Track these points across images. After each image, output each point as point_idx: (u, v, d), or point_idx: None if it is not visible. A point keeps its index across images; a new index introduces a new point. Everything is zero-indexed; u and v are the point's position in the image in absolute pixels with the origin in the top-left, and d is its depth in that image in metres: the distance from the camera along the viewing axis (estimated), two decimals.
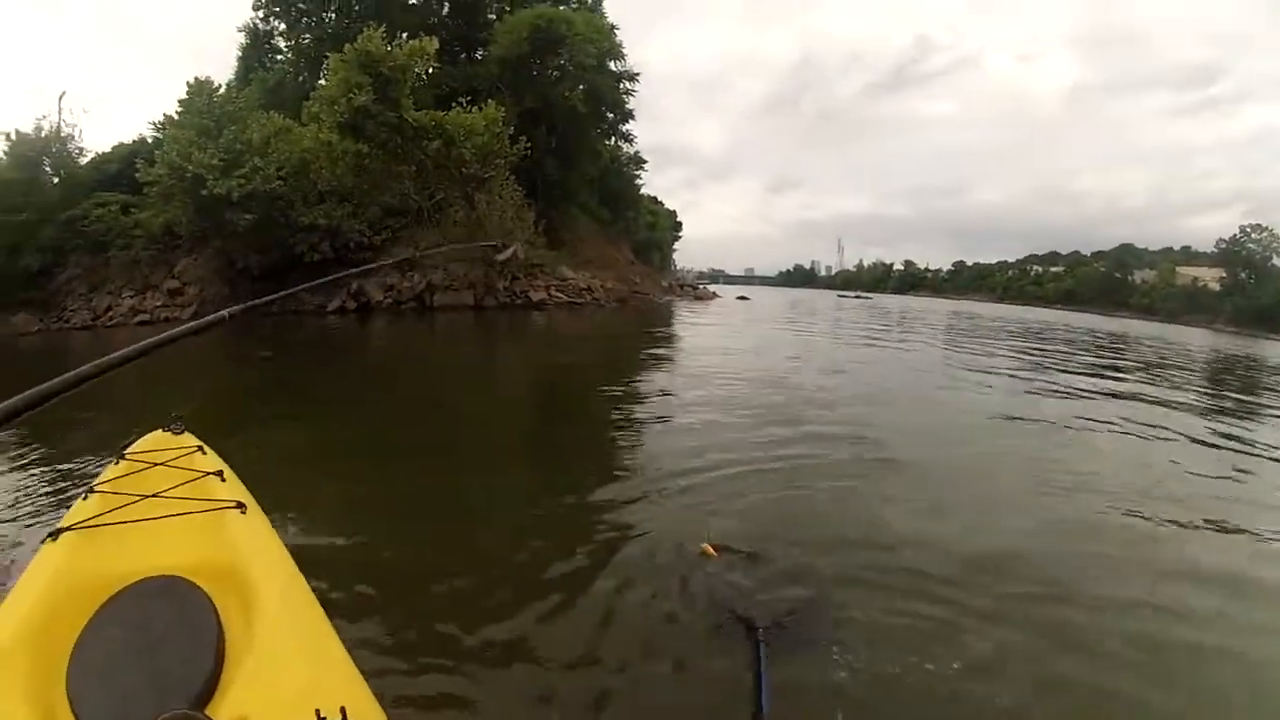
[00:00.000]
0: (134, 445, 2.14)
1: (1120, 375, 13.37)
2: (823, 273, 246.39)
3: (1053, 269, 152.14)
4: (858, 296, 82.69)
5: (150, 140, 31.49)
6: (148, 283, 29.61)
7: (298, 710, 1.00)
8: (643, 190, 47.05)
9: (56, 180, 33.02)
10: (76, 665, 1.13)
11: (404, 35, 29.42)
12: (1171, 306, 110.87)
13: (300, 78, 34.41)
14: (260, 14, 36.95)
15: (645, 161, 43.94)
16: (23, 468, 5.17)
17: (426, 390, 9.84)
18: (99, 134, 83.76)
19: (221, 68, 53.31)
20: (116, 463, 1.99)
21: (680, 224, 63.59)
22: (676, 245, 63.72)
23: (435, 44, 26.10)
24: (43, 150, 32.79)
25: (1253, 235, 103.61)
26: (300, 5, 35.73)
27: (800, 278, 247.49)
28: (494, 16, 34.58)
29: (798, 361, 12.65)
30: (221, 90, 29.37)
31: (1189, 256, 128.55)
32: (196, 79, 29.30)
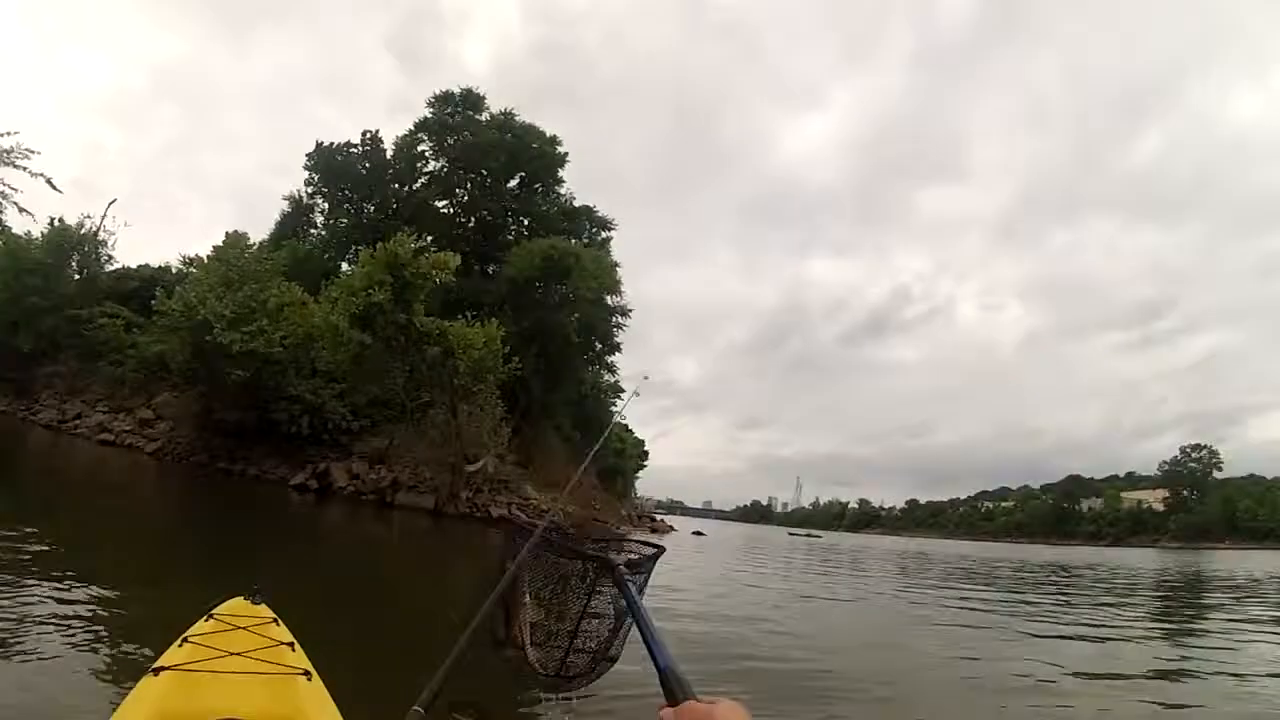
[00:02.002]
0: (220, 608, 2.49)
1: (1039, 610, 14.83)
2: (779, 509, 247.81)
3: (1003, 504, 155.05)
4: (807, 535, 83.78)
5: (174, 270, 33.32)
6: (123, 404, 30.30)
7: None
8: (615, 419, 48.50)
9: (78, 277, 34.48)
10: None
11: (430, 239, 32.32)
12: (1118, 531, 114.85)
13: (327, 255, 37.28)
14: (309, 189, 40.80)
15: (623, 391, 45.67)
16: (119, 612, 5.70)
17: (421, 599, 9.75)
18: (128, 246, 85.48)
19: (258, 223, 55.37)
20: (206, 620, 2.34)
21: (647, 453, 65.25)
22: (640, 474, 65.23)
23: (457, 260, 27.88)
24: (75, 246, 34.48)
25: (1193, 455, 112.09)
26: (346, 191, 39.60)
27: (757, 514, 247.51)
28: (511, 238, 38.48)
29: (743, 603, 13.18)
30: (254, 248, 31.44)
31: (1134, 481, 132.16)
32: (234, 231, 31.67)
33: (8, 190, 19.19)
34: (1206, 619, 14.25)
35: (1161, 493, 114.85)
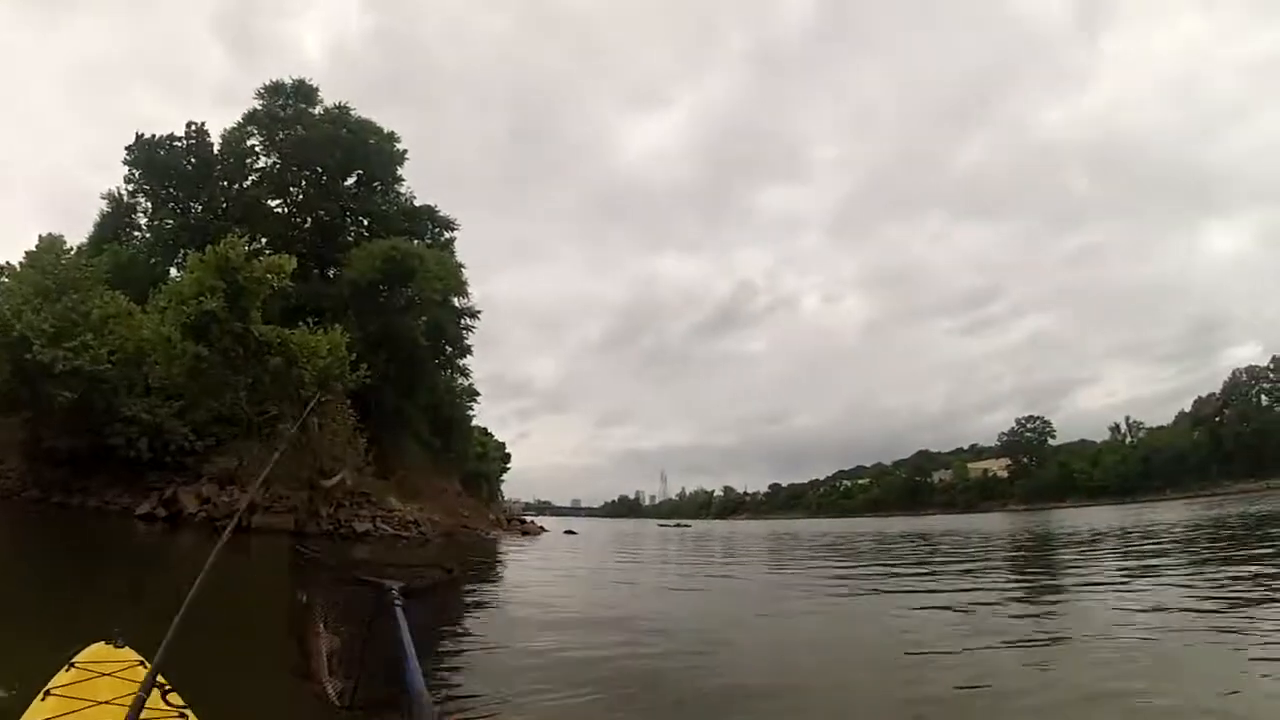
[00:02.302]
0: (81, 655, 2.33)
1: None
2: (647, 502, 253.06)
3: (859, 481, 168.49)
4: (677, 525, 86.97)
5: None
6: None
7: None
8: (475, 421, 49.21)
9: None
10: None
11: (264, 241, 31.69)
12: (968, 498, 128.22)
13: (153, 260, 35.44)
14: (130, 187, 38.26)
15: (478, 394, 46.74)
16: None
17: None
18: None
19: (78, 225, 50.91)
20: (67, 669, 2.18)
21: (509, 455, 66.30)
22: (505, 477, 66.22)
23: (293, 263, 27.00)
24: None
25: (1028, 425, 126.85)
26: (171, 189, 37.67)
27: (625, 508, 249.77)
28: (351, 239, 37.92)
29: (627, 598, 13.81)
30: (71, 253, 29.11)
31: (979, 452, 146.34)
32: (49, 235, 29.22)
33: None
34: (1064, 574, 15.71)
35: (1004, 461, 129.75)
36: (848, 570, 18.09)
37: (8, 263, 29.16)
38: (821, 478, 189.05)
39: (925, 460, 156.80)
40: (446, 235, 42.06)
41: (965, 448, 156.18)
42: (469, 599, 11.57)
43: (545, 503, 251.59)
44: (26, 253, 28.73)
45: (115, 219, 38.34)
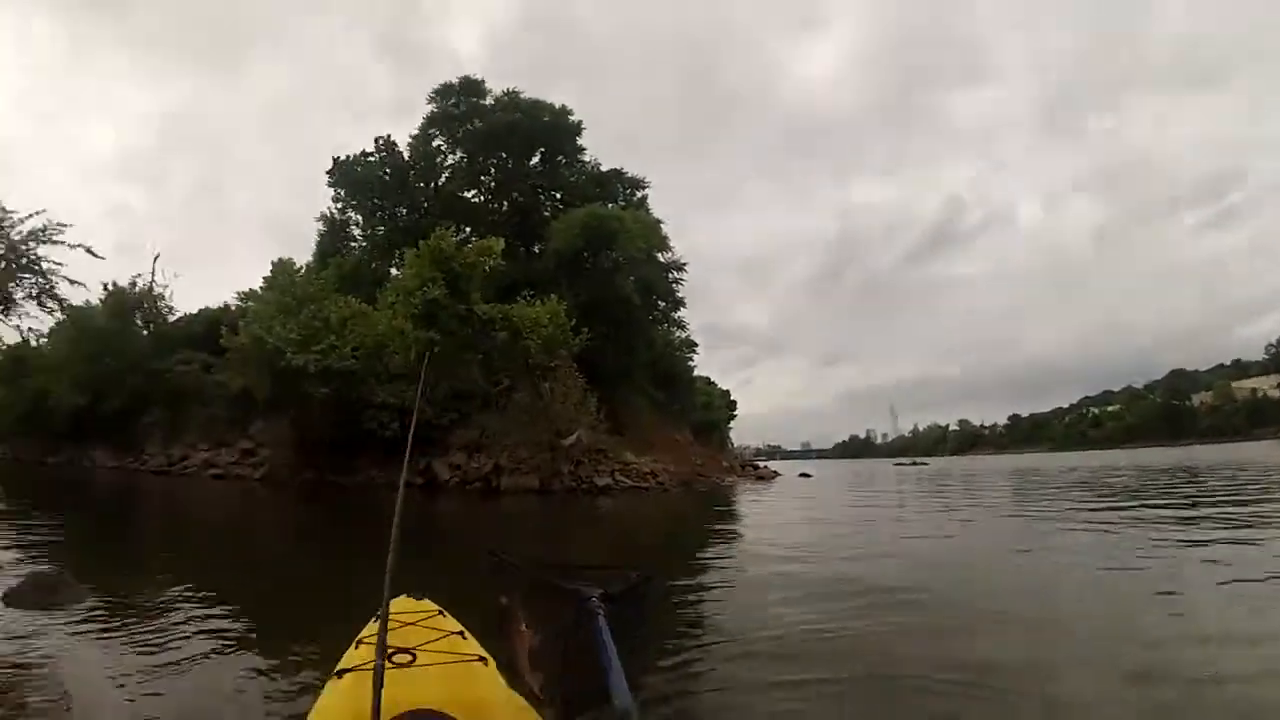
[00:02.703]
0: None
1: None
2: (879, 441, 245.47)
3: (1108, 408, 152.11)
4: (913, 463, 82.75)
5: (234, 308, 34.00)
6: (223, 439, 31.54)
7: None
8: (696, 372, 48.36)
9: (146, 333, 35.53)
10: None
11: (468, 230, 32.53)
12: (1235, 423, 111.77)
13: (374, 264, 37.50)
14: (339, 205, 41.02)
15: (696, 345, 45.90)
16: (292, 621, 6.02)
17: None
18: (186, 293, 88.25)
19: (300, 245, 55.73)
20: (375, 621, 2.27)
21: (735, 403, 63.89)
22: (732, 424, 64.38)
23: (501, 243, 27.72)
24: (135, 305, 35.50)
25: None
26: (375, 200, 39.80)
27: (856, 448, 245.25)
28: (548, 214, 38.36)
29: (874, 546, 11.76)
30: (301, 271, 32.01)
31: (1241, 369, 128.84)
32: (281, 259, 32.11)
33: (53, 266, 19.73)
34: None
35: (1276, 378, 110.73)
36: (1108, 512, 14.59)
37: (250, 289, 32.39)
38: (1065, 405, 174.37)
39: (1181, 381, 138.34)
40: (638, 194, 41.61)
41: (1226, 363, 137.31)
42: (711, 554, 10.86)
43: (775, 447, 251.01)
44: (264, 278, 31.70)
45: (332, 236, 40.84)
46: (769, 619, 6.01)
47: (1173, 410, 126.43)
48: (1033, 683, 4.27)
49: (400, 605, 2.54)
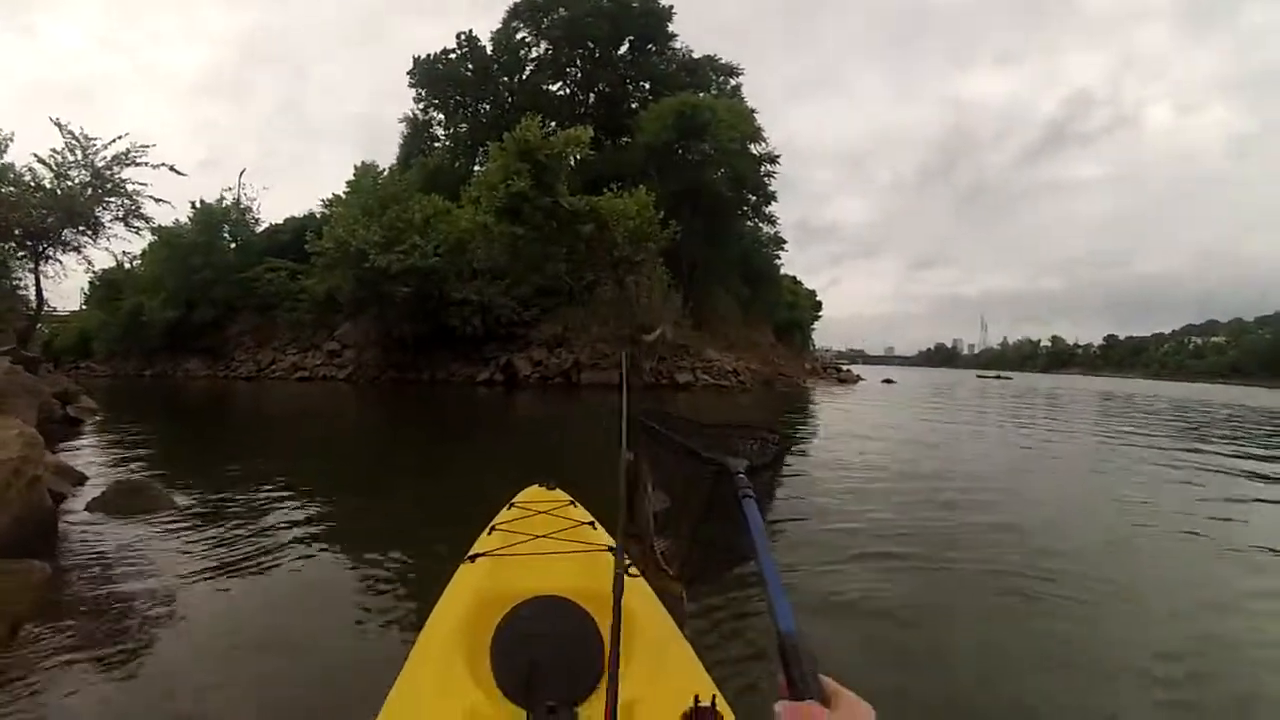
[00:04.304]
0: (519, 496, 2.60)
1: None
2: (965, 351, 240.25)
3: (1213, 339, 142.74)
4: (998, 377, 78.84)
5: (319, 215, 34.19)
6: (310, 343, 31.96)
7: (679, 696, 1.20)
8: (783, 270, 46.37)
9: (234, 245, 36.31)
10: (496, 647, 1.51)
11: (554, 124, 31.08)
12: None
13: (457, 163, 36.68)
14: (421, 105, 40.24)
15: (785, 242, 43.64)
16: (426, 507, 6.20)
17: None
18: (272, 206, 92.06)
19: (385, 151, 56.79)
20: (509, 509, 2.47)
21: (820, 304, 61.05)
22: (816, 325, 62.17)
23: (589, 133, 26.99)
24: (223, 218, 36.21)
25: None
26: (457, 98, 38.75)
27: (941, 357, 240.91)
28: (636, 105, 36.51)
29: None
30: (385, 174, 32.07)
31: None
32: (363, 163, 32.15)
33: (138, 188, 20.02)
34: None
35: None
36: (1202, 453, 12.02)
37: (334, 194, 32.46)
38: (1167, 332, 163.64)
39: None
40: (732, 83, 39.23)
41: None
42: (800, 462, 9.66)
43: (858, 351, 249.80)
44: (347, 183, 31.77)
45: (415, 137, 40.32)
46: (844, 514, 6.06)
47: None
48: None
49: (532, 494, 2.62)
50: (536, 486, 2.71)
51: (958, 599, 4.13)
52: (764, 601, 0.85)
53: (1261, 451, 12.73)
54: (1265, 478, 9.33)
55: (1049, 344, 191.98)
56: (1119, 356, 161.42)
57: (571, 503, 2.56)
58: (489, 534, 2.22)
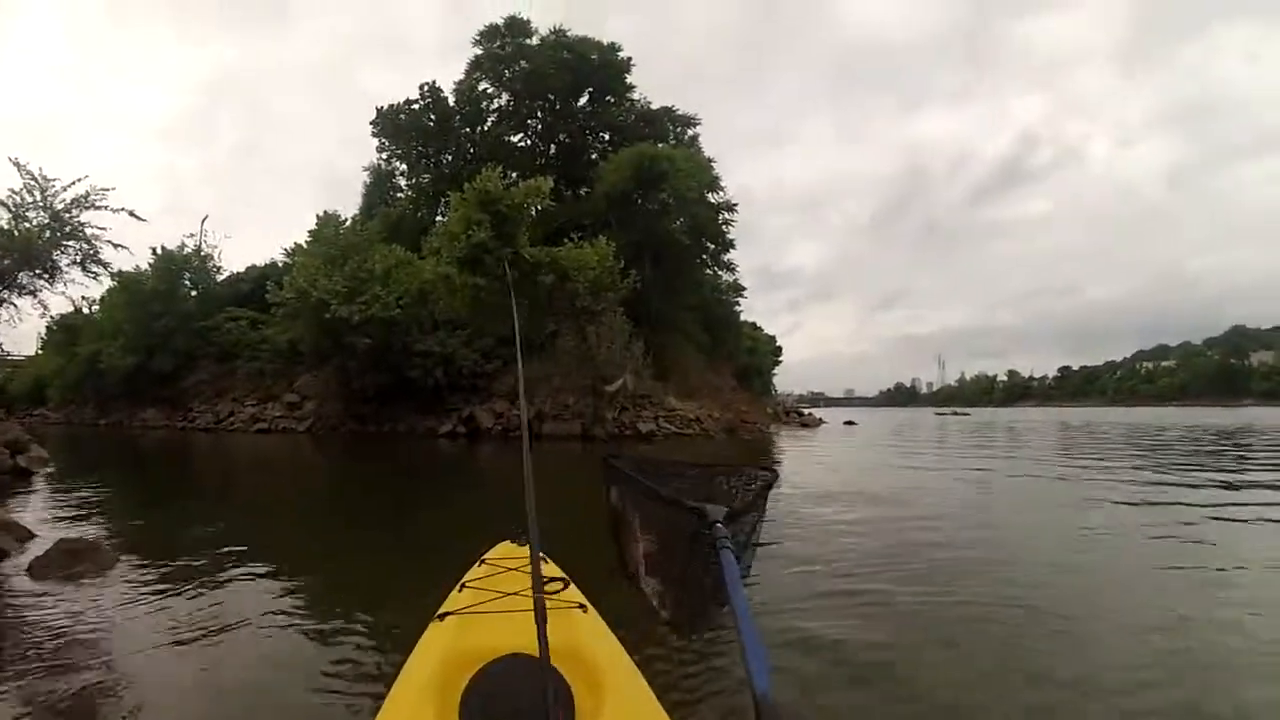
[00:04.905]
0: (490, 553, 2.59)
1: None
2: (924, 390, 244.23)
3: (1163, 363, 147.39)
4: (954, 413, 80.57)
5: (280, 264, 34.12)
6: (269, 393, 31.70)
7: None
8: (743, 317, 47.11)
9: (195, 293, 36.03)
10: (465, 706, 1.49)
11: (514, 175, 31.51)
12: None
13: (419, 213, 36.90)
14: (384, 155, 40.55)
15: (744, 289, 44.44)
16: (393, 564, 6.11)
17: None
18: (234, 254, 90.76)
19: (347, 199, 56.73)
20: (479, 565, 2.46)
21: (780, 349, 62.71)
22: (776, 371, 62.77)
23: (550, 183, 27.17)
24: (184, 266, 35.96)
25: None
26: (420, 148, 39.06)
27: (902, 397, 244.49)
28: (596, 155, 37.14)
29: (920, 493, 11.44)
30: (347, 223, 32.11)
31: None
32: (326, 212, 32.24)
33: (98, 231, 19.94)
34: None
35: None
36: (1158, 477, 12.73)
37: (296, 244, 32.67)
38: (1119, 359, 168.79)
39: (1241, 339, 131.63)
40: (689, 133, 40.02)
41: None
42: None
43: (818, 394, 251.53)
44: (309, 231, 31.78)
45: (378, 186, 40.61)
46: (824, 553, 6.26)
47: (1230, 369, 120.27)
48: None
49: (503, 551, 2.62)
50: (507, 543, 2.71)
51: (925, 629, 4.30)
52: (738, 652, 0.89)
53: (1215, 472, 13.38)
54: (1219, 499, 9.79)
55: (1005, 378, 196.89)
56: (1074, 386, 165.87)
57: (542, 559, 2.54)
58: (459, 591, 2.23)
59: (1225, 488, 11.02)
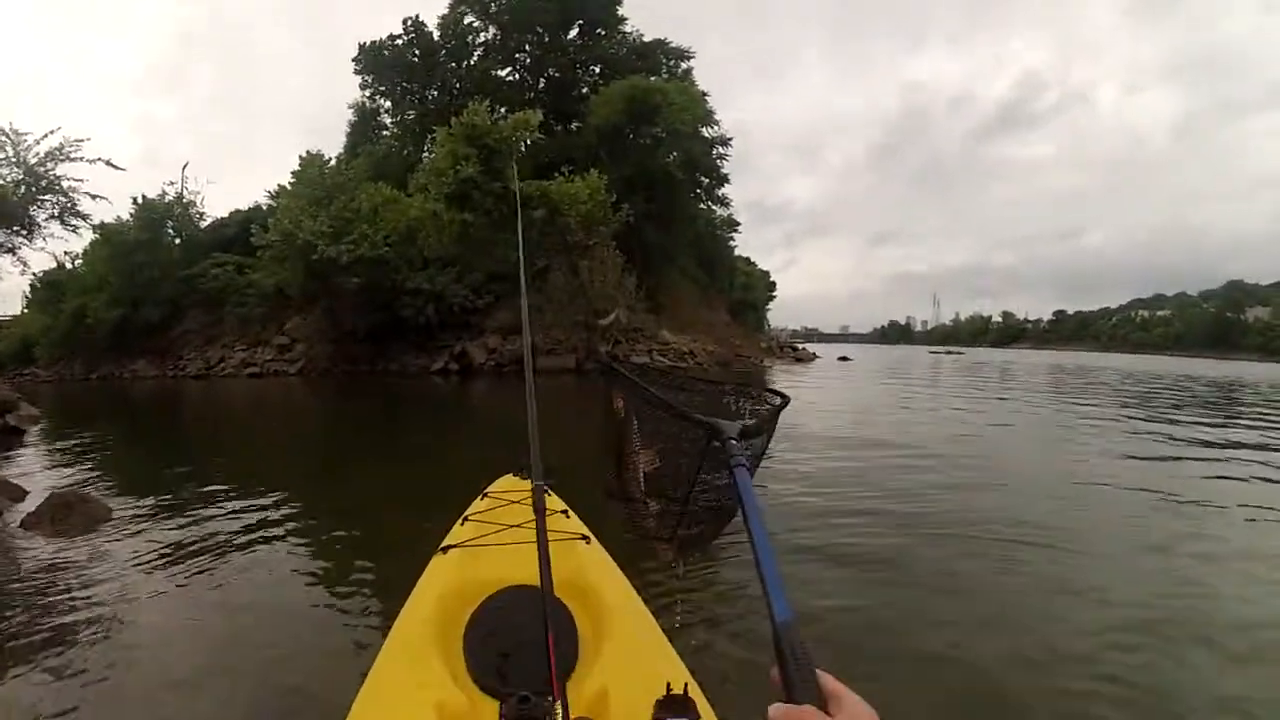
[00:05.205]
0: (493, 486, 2.59)
1: None
2: (919, 328, 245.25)
3: (1159, 313, 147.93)
4: (949, 352, 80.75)
5: (265, 207, 33.41)
6: (259, 338, 31.28)
7: (649, 685, 1.18)
8: (737, 252, 46.97)
9: (178, 241, 35.35)
10: (469, 638, 1.50)
11: (503, 109, 30.72)
12: None
13: (405, 151, 35.97)
14: (368, 93, 39.30)
15: (739, 224, 44.26)
16: (394, 499, 6.26)
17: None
18: (217, 199, 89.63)
19: (331, 140, 55.65)
20: (481, 499, 2.47)
21: (774, 284, 62.73)
22: (770, 306, 62.72)
23: (538, 116, 26.90)
24: (166, 214, 35.19)
25: None
26: (404, 85, 37.92)
27: (895, 334, 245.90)
28: (586, 90, 36.12)
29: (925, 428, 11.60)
30: (331, 163, 31.40)
31: None
32: (309, 152, 31.30)
33: (75, 184, 19.37)
34: None
35: None
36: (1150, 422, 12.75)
37: (280, 186, 31.85)
38: (1114, 306, 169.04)
39: (1238, 293, 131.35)
40: (683, 66, 38.75)
41: None
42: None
43: (812, 329, 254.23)
44: (293, 172, 31.00)
45: (363, 125, 39.53)
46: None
47: (1225, 323, 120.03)
48: None
49: (505, 484, 2.61)
50: (510, 476, 2.71)
51: (930, 551, 4.45)
52: (751, 580, 0.75)
53: (1207, 419, 13.56)
54: (1211, 443, 9.86)
55: (1000, 319, 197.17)
56: (1068, 330, 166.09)
57: (545, 491, 2.55)
58: (462, 525, 2.24)
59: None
